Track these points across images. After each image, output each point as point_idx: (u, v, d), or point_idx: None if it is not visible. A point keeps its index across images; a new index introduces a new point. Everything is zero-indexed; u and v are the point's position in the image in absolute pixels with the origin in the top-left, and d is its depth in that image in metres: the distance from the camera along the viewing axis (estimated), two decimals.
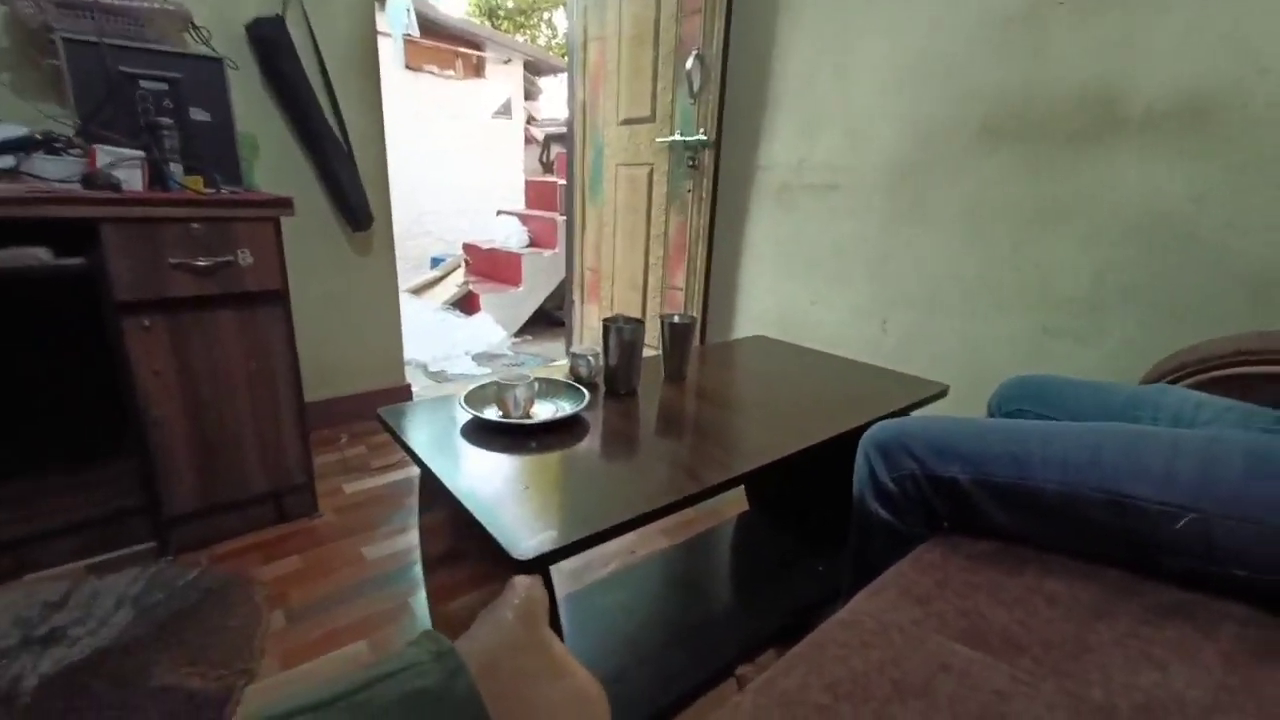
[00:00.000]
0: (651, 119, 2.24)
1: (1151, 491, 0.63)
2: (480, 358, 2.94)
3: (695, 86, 2.01)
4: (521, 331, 3.50)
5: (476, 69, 5.73)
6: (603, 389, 1.08)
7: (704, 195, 2.07)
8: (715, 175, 2.05)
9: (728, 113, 2.02)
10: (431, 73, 5.34)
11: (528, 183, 4.72)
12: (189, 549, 1.37)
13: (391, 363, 2.26)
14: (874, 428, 0.83)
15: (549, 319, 3.67)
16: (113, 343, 1.22)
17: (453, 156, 5.40)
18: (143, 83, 1.38)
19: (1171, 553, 0.63)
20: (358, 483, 1.72)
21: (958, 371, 1.56)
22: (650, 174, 2.28)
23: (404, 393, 2.29)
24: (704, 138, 2.01)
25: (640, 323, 1.05)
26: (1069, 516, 0.68)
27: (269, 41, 1.73)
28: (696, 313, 2.17)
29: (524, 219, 3.98)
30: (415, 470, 1.74)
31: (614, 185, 2.47)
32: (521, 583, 0.55)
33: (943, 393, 1.18)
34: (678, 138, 2.10)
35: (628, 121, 2.35)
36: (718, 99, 1.97)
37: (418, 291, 3.97)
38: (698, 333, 2.18)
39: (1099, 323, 1.34)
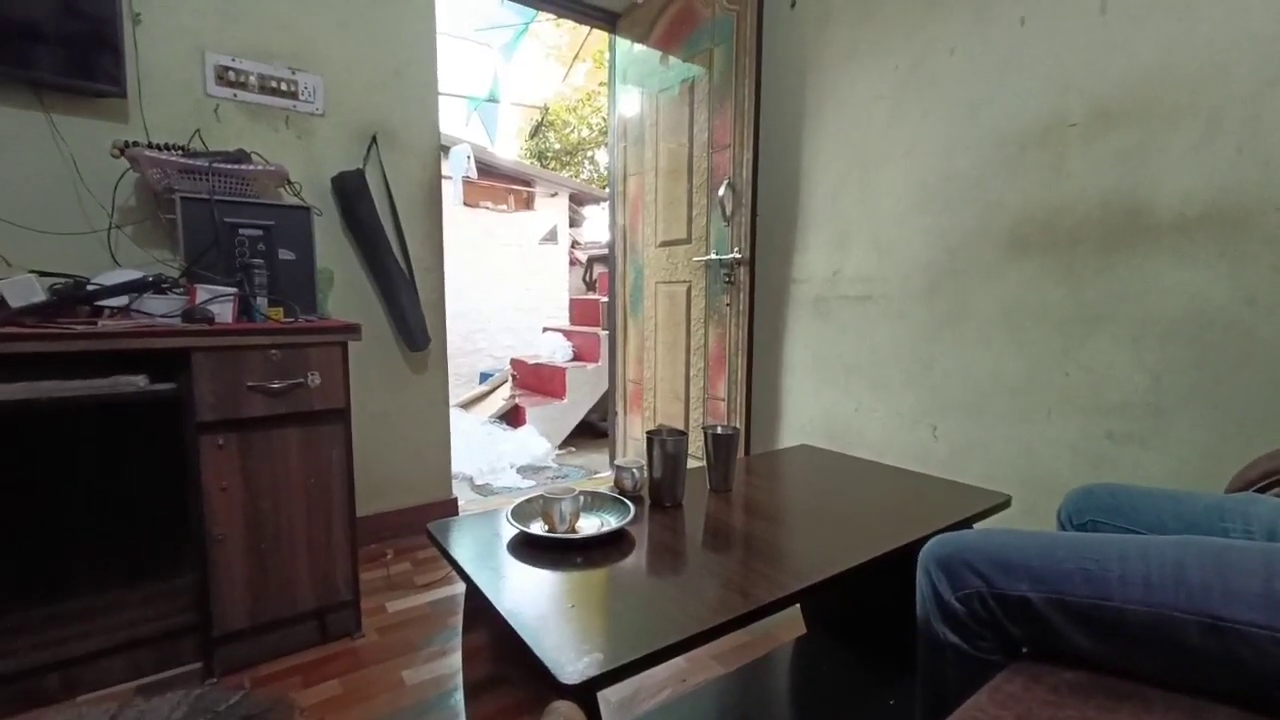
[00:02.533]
0: (688, 240, 2.39)
1: (1252, 614, 0.57)
2: (525, 470, 2.97)
3: (728, 210, 2.16)
4: (566, 443, 3.54)
5: (526, 202, 6.30)
6: (648, 501, 1.08)
7: (741, 309, 2.14)
8: (751, 289, 2.14)
9: (760, 231, 2.15)
10: (486, 208, 5.90)
11: (572, 301, 4.98)
12: (233, 670, 1.36)
13: (440, 477, 2.30)
14: (932, 542, 0.80)
15: (593, 430, 3.71)
16: (190, 460, 1.30)
17: (503, 279, 5.80)
18: (241, 230, 1.58)
19: None
20: (401, 601, 1.69)
21: (1018, 480, 1.49)
22: (689, 290, 2.39)
23: (450, 507, 2.30)
24: (738, 255, 2.13)
25: (684, 434, 1.07)
26: (1162, 643, 0.62)
27: (350, 190, 1.98)
28: (739, 423, 2.17)
29: (568, 334, 4.16)
30: (459, 589, 1.72)
31: (654, 301, 2.60)
32: (561, 710, 0.53)
33: (1005, 503, 1.12)
34: (713, 256, 2.22)
35: (666, 244, 2.52)
36: (750, 220, 2.11)
37: (467, 406, 4.11)
38: (742, 443, 2.16)
39: (1163, 427, 1.28)
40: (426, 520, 2.30)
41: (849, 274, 1.92)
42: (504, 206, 6.08)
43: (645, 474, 1.10)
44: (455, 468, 2.41)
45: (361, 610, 1.54)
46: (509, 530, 0.94)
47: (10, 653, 1.26)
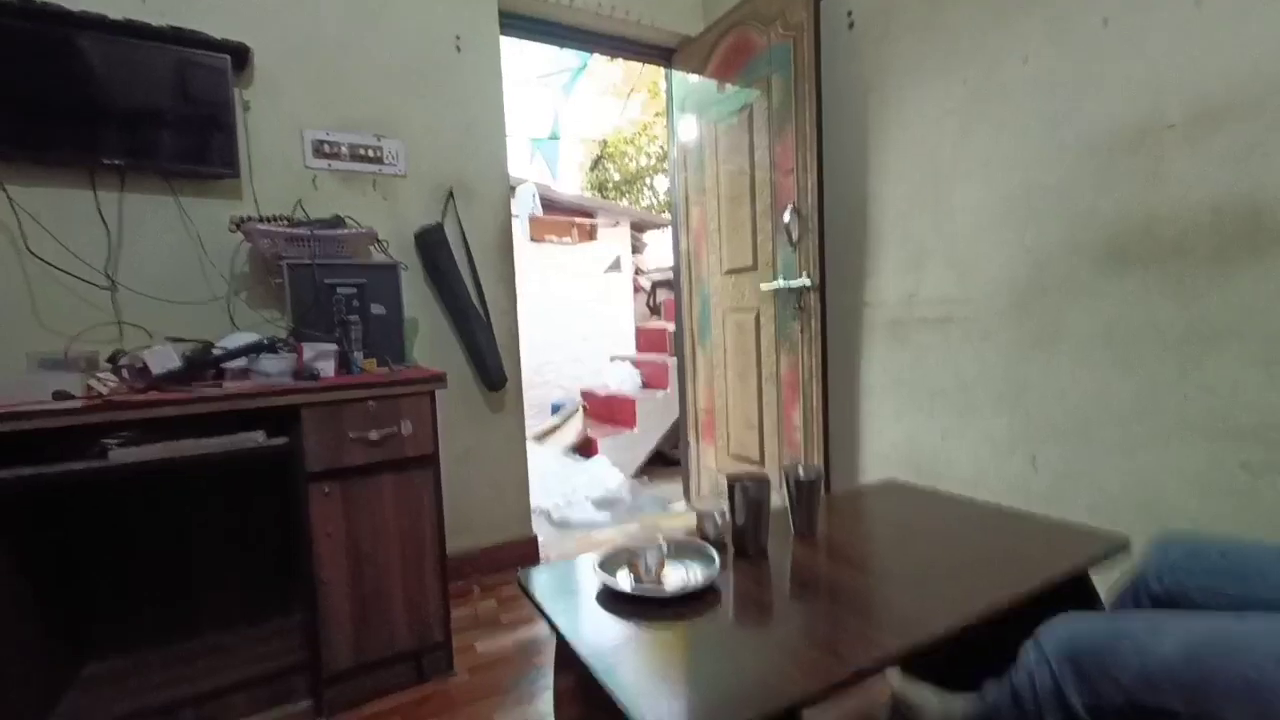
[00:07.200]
0: (754, 268, 2.38)
1: None
2: (600, 503, 3.00)
3: (794, 236, 2.13)
4: (638, 473, 3.55)
5: (589, 233, 6.47)
6: (731, 549, 1.07)
7: (813, 335, 2.10)
8: (823, 315, 2.10)
9: (829, 256, 2.11)
10: (551, 241, 6.10)
11: (638, 329, 5.04)
12: (340, 709, 1.43)
13: (519, 514, 2.36)
14: (1058, 625, 0.70)
15: (664, 459, 3.70)
16: (301, 509, 1.40)
17: (569, 311, 5.96)
18: (339, 289, 1.72)
19: None
20: (489, 640, 1.74)
21: (1134, 515, 1.37)
22: (757, 318, 2.37)
23: (530, 544, 2.36)
24: (807, 281, 2.09)
25: (766, 480, 1.05)
26: None
27: (431, 243, 2.11)
28: (817, 451, 2.11)
29: (636, 363, 4.20)
30: (544, 627, 1.75)
31: (722, 330, 2.59)
32: None
33: (1123, 546, 1.03)
34: (781, 283, 2.20)
35: (731, 271, 2.51)
36: (817, 245, 2.07)
37: (540, 438, 4.21)
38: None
39: None
40: (508, 557, 2.35)
41: (926, 295, 1.85)
42: (568, 239, 6.27)
43: (726, 519, 1.09)
44: (533, 501, 2.46)
45: (453, 649, 1.59)
46: (597, 580, 0.95)
47: (151, 688, 1.39)
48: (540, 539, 2.40)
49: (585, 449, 3.73)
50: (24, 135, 1.53)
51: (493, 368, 2.23)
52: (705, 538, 1.08)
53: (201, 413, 1.27)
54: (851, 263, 2.08)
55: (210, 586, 1.69)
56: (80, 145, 1.58)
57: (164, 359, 1.30)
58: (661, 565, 0.96)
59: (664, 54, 2.79)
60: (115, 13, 1.60)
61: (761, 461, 2.39)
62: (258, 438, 1.31)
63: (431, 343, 2.14)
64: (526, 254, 5.68)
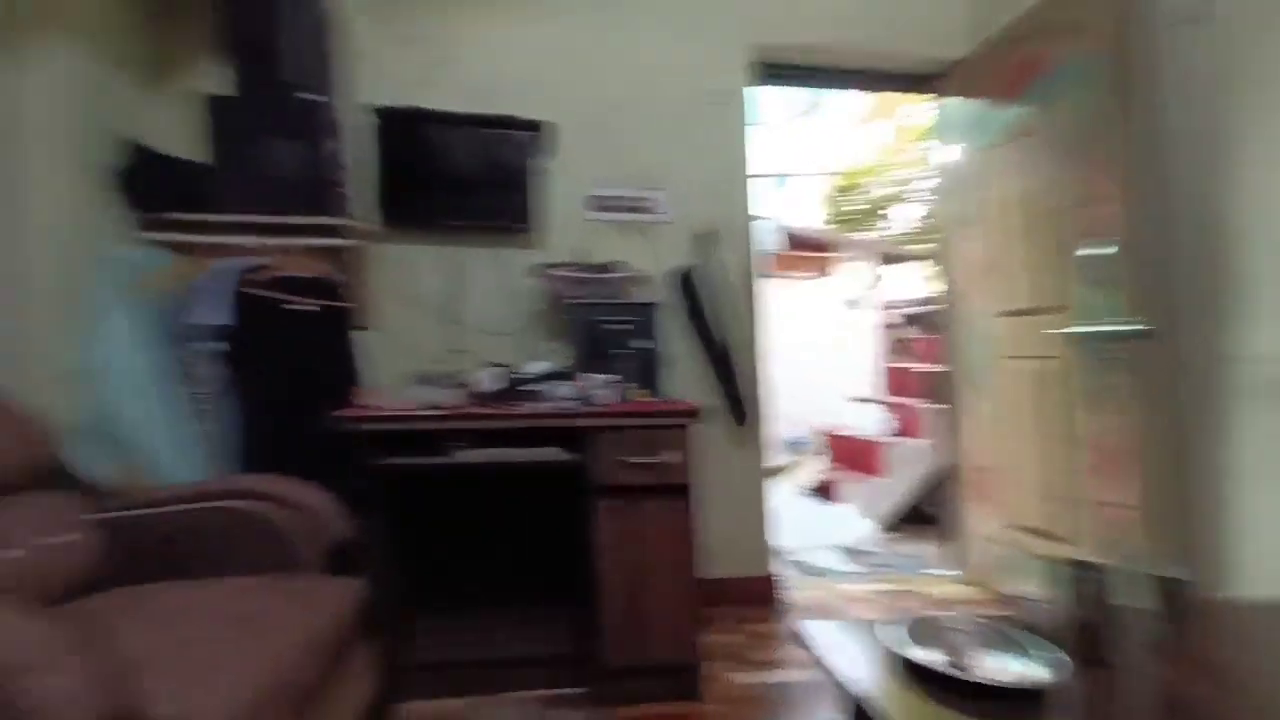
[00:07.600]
0: (1048, 308, 2.01)
1: None
2: (849, 552, 2.80)
3: (1109, 272, 1.76)
4: (889, 526, 3.24)
5: (829, 267, 6.26)
6: (1064, 645, 0.88)
7: (1143, 394, 1.69)
8: (1160, 370, 1.67)
9: (1165, 297, 1.69)
10: (790, 276, 6.03)
11: (888, 369, 4.66)
12: (607, 704, 1.54)
13: (758, 550, 2.32)
14: None
15: (917, 514, 3.32)
16: (588, 519, 1.56)
17: (807, 347, 5.78)
18: (610, 325, 1.92)
19: None
20: (742, 675, 1.72)
21: None
22: (1054, 367, 2.00)
23: (768, 582, 2.30)
24: (1135, 327, 1.69)
25: (1113, 570, 0.85)
26: None
27: (686, 283, 2.24)
28: (1157, 542, 1.67)
29: (885, 406, 3.88)
30: (793, 674, 1.68)
31: (1004, 378, 2.24)
32: None
33: None
34: (1091, 328, 1.82)
35: (1014, 313, 2.17)
36: (1149, 283, 1.68)
37: (774, 474, 4.13)
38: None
39: None
40: (747, 592, 2.31)
41: None
42: (807, 273, 6.15)
43: (1058, 608, 0.90)
44: (769, 539, 2.40)
45: (702, 674, 1.60)
46: (891, 647, 0.86)
47: (459, 644, 1.66)
48: (781, 579, 2.31)
49: (824, 490, 3.54)
50: (409, 205, 2.02)
51: (739, 402, 2.26)
52: (1029, 627, 0.91)
53: (508, 428, 1.51)
54: (1198, 306, 1.63)
55: (498, 573, 1.96)
56: (433, 210, 2.04)
57: (495, 380, 1.59)
58: (978, 651, 0.83)
59: (923, 81, 2.59)
60: (452, 106, 2.02)
61: (1058, 540, 1.99)
62: (556, 452, 1.50)
63: (684, 377, 2.23)
64: (766, 289, 5.70)
